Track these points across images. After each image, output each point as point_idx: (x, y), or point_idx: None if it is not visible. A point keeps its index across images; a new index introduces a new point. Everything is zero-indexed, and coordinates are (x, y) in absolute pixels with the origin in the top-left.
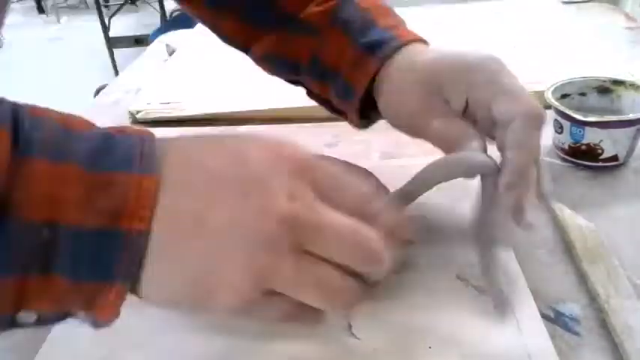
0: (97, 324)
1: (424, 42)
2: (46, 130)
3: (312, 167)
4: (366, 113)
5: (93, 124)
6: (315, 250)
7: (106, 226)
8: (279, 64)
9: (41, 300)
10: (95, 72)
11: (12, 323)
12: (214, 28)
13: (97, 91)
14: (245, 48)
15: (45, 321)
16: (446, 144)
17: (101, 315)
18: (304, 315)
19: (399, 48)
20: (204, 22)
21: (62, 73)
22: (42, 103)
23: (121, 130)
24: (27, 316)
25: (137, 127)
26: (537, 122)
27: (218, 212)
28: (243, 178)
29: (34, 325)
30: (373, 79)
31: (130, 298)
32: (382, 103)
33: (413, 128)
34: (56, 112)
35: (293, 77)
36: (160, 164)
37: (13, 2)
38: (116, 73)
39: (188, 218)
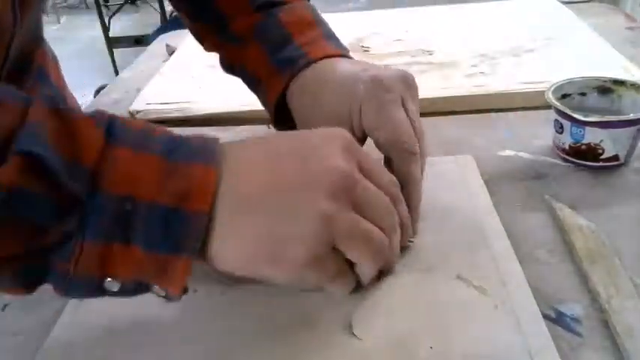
0: (169, 297)
1: (339, 55)
2: (132, 131)
3: (357, 149)
4: (287, 123)
5: (170, 131)
6: (361, 210)
7: (176, 205)
8: (222, 64)
9: (122, 267)
10: (95, 72)
11: (99, 289)
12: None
13: (97, 91)
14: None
15: (126, 291)
16: None
17: (171, 286)
18: (346, 276)
19: (307, 65)
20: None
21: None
22: None
23: (188, 136)
24: (111, 284)
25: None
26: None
27: (280, 177)
28: (299, 148)
29: (118, 294)
30: (284, 94)
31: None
32: (296, 117)
33: None
34: (142, 121)
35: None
36: (221, 160)
37: None
38: (116, 73)
39: (250, 195)
